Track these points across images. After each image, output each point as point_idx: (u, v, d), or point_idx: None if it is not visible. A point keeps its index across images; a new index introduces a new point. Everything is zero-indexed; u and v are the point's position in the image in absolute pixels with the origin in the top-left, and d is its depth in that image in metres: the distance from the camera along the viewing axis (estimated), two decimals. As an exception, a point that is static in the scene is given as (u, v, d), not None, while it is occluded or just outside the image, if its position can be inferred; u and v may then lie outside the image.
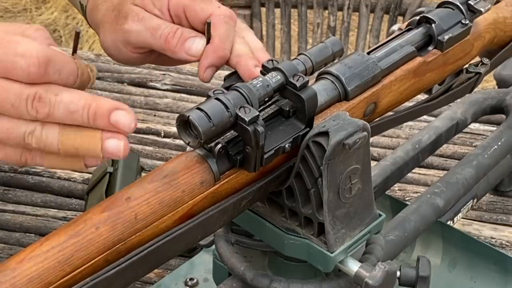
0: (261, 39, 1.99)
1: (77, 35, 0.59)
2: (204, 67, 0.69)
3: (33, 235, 1.04)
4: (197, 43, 0.69)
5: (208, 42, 0.69)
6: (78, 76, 0.57)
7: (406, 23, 0.76)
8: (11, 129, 0.56)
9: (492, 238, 1.04)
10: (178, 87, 1.37)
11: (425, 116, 1.20)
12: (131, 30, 0.71)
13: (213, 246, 0.72)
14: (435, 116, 1.06)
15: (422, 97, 0.80)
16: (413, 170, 1.01)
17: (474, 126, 1.24)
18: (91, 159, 0.58)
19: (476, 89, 0.84)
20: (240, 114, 0.56)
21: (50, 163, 0.58)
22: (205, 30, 0.69)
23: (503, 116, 1.02)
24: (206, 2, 0.70)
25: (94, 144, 0.55)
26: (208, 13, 0.70)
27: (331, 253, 0.63)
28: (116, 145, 0.55)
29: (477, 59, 0.81)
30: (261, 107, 0.61)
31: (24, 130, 0.56)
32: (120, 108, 0.55)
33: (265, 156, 0.59)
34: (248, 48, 0.70)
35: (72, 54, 0.59)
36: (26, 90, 0.54)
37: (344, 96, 0.67)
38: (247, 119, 0.56)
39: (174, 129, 1.24)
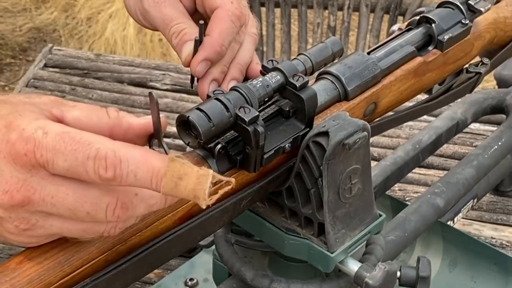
0: (261, 39, 1.99)
1: (201, 27, 0.59)
2: (198, 60, 0.64)
3: (33, 235, 1.03)
4: (186, 48, 0.65)
5: (200, 43, 0.65)
6: (162, 177, 0.49)
7: (406, 23, 0.76)
8: (87, 230, 0.51)
9: (492, 238, 1.04)
10: (178, 87, 1.37)
11: (425, 116, 1.20)
12: (147, 11, 0.68)
13: (213, 246, 0.72)
14: (435, 116, 1.06)
15: (422, 97, 0.80)
16: (413, 170, 1.01)
17: (474, 126, 1.24)
18: None
19: (476, 89, 0.84)
20: (240, 114, 0.56)
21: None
22: (199, 30, 0.65)
23: (503, 116, 1.02)
24: None
25: None
26: (216, 5, 0.66)
27: (331, 253, 0.63)
28: None
29: (477, 59, 0.81)
30: (261, 107, 0.61)
31: (103, 229, 0.51)
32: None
33: (265, 156, 0.59)
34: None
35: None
36: (105, 197, 0.50)
37: (344, 96, 0.67)
38: (247, 119, 0.56)
39: (174, 129, 1.24)
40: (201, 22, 0.64)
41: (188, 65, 0.65)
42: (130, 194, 0.50)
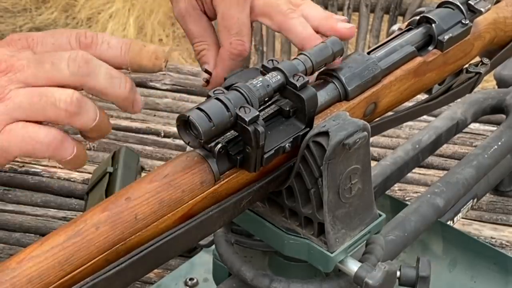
0: (261, 39, 1.99)
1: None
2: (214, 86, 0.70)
3: (33, 235, 1.04)
4: (203, 72, 0.71)
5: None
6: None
7: (406, 23, 0.76)
8: (44, 97, 0.56)
9: (492, 238, 1.04)
10: (178, 87, 1.37)
11: (425, 116, 1.20)
12: (178, 20, 0.73)
13: (213, 246, 0.72)
14: (435, 116, 1.06)
15: (422, 97, 0.80)
16: (413, 170, 1.01)
17: (474, 126, 1.24)
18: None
19: (476, 89, 0.84)
20: (240, 114, 0.56)
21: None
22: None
23: (503, 116, 1.02)
24: (227, 29, 0.69)
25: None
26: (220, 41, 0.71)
27: (331, 253, 0.63)
28: None
29: (477, 59, 0.81)
30: (261, 107, 0.61)
31: (58, 98, 0.56)
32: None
33: (265, 156, 0.59)
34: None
35: None
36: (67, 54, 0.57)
37: (344, 96, 0.67)
38: (247, 119, 0.56)
39: (174, 129, 1.24)
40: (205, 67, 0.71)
41: (204, 87, 0.72)
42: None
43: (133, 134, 1.25)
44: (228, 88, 0.59)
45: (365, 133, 0.62)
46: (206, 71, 0.71)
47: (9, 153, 0.56)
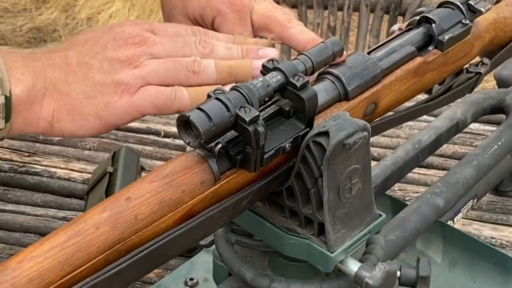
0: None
1: None
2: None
3: (33, 235, 1.04)
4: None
5: None
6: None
7: (406, 23, 0.76)
8: (177, 63, 0.66)
9: (492, 238, 1.04)
10: (178, 87, 1.37)
11: (425, 116, 1.20)
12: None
13: (213, 246, 0.72)
14: (435, 116, 1.06)
15: (422, 97, 0.80)
16: (413, 170, 1.01)
17: (474, 126, 1.24)
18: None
19: (476, 89, 0.84)
20: (240, 114, 0.56)
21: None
22: None
23: (503, 116, 1.02)
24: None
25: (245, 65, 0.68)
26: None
27: (331, 253, 0.63)
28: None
29: (477, 59, 0.81)
30: (261, 107, 0.61)
31: (187, 60, 0.66)
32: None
33: (265, 156, 0.59)
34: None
35: None
36: (192, 37, 0.69)
37: (344, 96, 0.67)
38: (247, 119, 0.56)
39: (174, 129, 1.24)
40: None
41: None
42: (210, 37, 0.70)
43: (133, 134, 1.25)
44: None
45: (365, 133, 0.62)
46: None
47: (144, 108, 0.65)
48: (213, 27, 0.75)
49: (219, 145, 0.58)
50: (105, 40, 0.66)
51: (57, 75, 0.65)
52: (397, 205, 0.92)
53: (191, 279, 0.87)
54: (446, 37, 0.74)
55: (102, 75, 0.65)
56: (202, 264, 0.89)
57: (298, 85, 0.60)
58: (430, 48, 0.74)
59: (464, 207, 0.97)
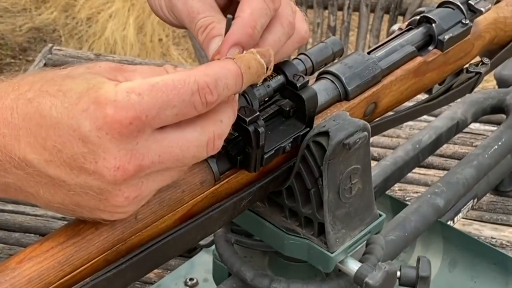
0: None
1: (229, 21, 0.55)
2: (228, 46, 0.56)
3: (33, 235, 1.04)
4: (214, 44, 0.59)
5: None
6: (242, 75, 0.52)
7: (406, 23, 0.76)
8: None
9: (492, 238, 1.04)
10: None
11: (425, 116, 1.20)
12: (173, 4, 0.63)
13: (213, 246, 0.72)
14: (435, 116, 1.06)
15: (422, 97, 0.80)
16: (413, 170, 1.01)
17: (474, 126, 1.24)
18: None
19: (476, 89, 0.84)
20: (240, 114, 0.56)
21: None
22: (226, 24, 0.58)
23: (503, 116, 1.02)
24: None
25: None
26: None
27: (331, 253, 0.63)
28: None
29: (478, 58, 0.81)
30: (261, 107, 0.61)
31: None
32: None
33: (265, 156, 0.59)
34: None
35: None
36: (202, 136, 0.52)
37: (344, 96, 0.67)
38: (247, 119, 0.56)
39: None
40: (229, 16, 0.57)
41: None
42: (217, 122, 0.52)
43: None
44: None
45: (365, 133, 0.62)
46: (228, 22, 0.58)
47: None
48: None
49: (219, 145, 0.58)
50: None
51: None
52: (397, 205, 0.92)
53: (191, 279, 0.87)
54: (446, 37, 0.74)
55: None
56: (202, 264, 0.89)
57: (298, 85, 0.60)
58: (430, 48, 0.74)
59: (464, 207, 0.96)
